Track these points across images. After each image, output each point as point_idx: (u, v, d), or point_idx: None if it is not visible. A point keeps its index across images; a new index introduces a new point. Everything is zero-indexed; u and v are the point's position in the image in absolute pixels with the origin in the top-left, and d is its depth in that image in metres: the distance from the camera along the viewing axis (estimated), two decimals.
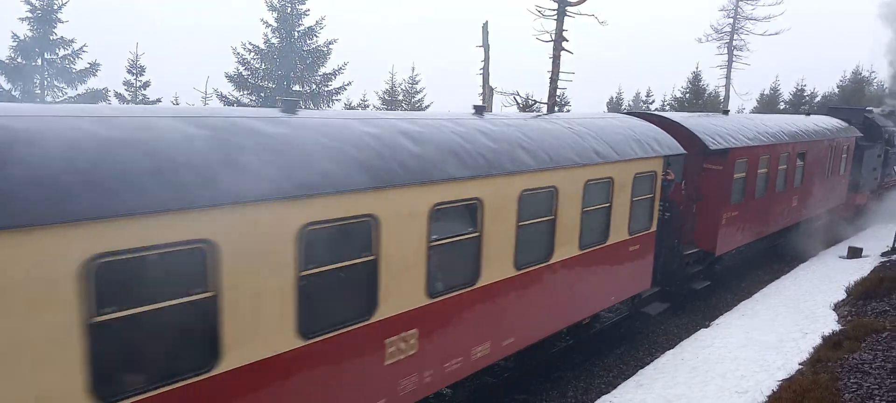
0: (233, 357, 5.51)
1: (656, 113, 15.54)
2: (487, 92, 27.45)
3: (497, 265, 8.37)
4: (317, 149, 6.29)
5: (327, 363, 6.37)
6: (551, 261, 9.40)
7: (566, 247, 9.62)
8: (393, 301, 6.94)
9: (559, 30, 26.27)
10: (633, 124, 12.02)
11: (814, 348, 10.77)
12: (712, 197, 14.59)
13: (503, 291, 8.59)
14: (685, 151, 12.72)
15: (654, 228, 11.98)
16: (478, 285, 8.15)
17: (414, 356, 7.38)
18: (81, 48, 21.73)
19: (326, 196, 6.01)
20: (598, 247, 10.41)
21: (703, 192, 14.61)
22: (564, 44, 26.48)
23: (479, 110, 9.75)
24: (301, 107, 7.54)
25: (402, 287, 7.04)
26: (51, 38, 21.08)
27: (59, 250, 4.38)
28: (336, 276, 6.40)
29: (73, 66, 21.73)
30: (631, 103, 55.95)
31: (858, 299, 13.33)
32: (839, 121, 23.14)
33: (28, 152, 4.48)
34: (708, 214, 14.67)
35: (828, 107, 29.60)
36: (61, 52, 21.41)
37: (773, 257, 19.34)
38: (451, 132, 8.06)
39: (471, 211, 7.87)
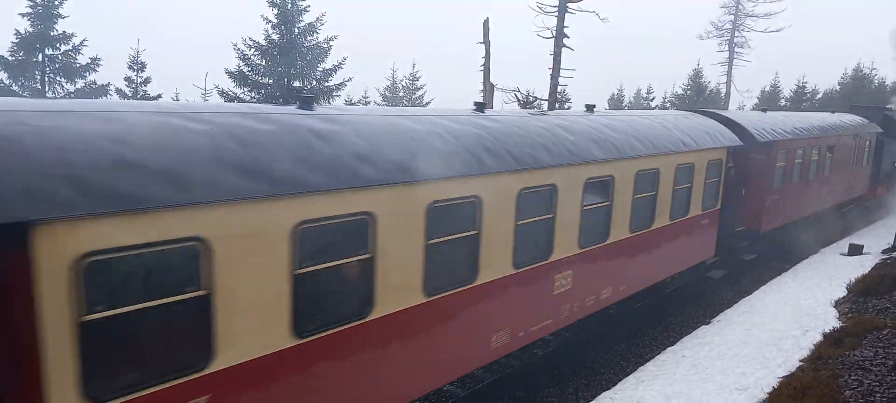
0: (485, 274, 8.29)
1: (714, 111, 17.76)
2: (488, 88, 27.42)
3: (621, 227, 11.14)
4: (529, 139, 9.19)
5: (525, 285, 9.10)
6: (654, 227, 12.16)
7: (662, 218, 12.41)
8: (559, 248, 9.65)
9: (560, 26, 26.26)
10: (703, 120, 14.82)
11: (814, 345, 10.76)
12: (757, 183, 16.93)
13: (622, 248, 11.31)
14: (742, 143, 15.16)
15: (718, 206, 14.71)
16: (608, 242, 10.89)
17: (569, 290, 10.13)
18: (82, 43, 21.71)
19: (533, 170, 8.76)
20: (681, 220, 13.15)
21: (749, 179, 16.94)
22: (565, 40, 26.46)
23: (590, 108, 12.54)
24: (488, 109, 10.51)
25: (566, 239, 9.77)
26: (52, 33, 21.07)
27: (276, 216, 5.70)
28: (537, 230, 9.22)
29: (74, 61, 21.72)
30: (631, 100, 55.89)
31: (859, 296, 13.33)
32: (861, 118, 25.22)
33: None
34: (753, 198, 17.02)
35: (851, 104, 31.79)
36: (62, 48, 21.41)
37: (774, 255, 19.34)
38: (588, 126, 10.71)
39: (605, 185, 10.57)
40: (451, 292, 7.82)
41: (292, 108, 7.15)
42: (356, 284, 6.65)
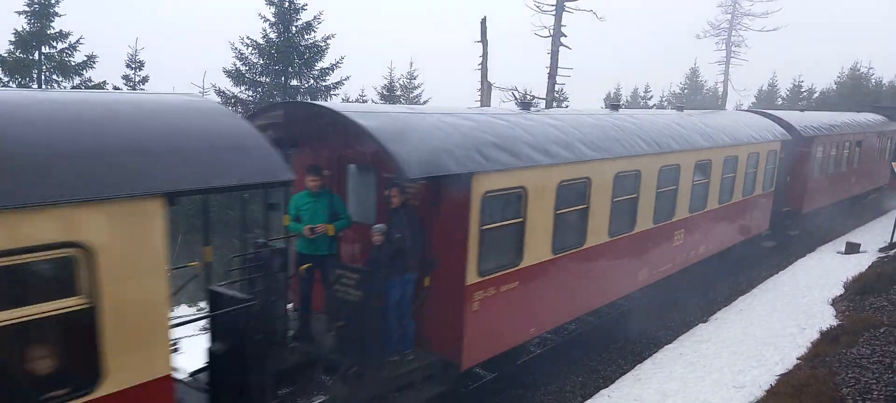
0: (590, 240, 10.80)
1: (762, 111, 21.59)
2: (486, 87, 27.41)
3: (712, 199, 14.61)
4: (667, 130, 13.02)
5: (660, 238, 12.86)
6: (732, 201, 15.66)
7: (738, 193, 15.97)
8: (678, 211, 13.21)
9: (557, 25, 26.26)
10: (757, 118, 18.43)
11: (812, 343, 10.79)
12: (799, 171, 20.05)
13: (712, 215, 14.83)
14: (791, 137, 18.59)
15: (773, 189, 18.16)
16: (707, 209, 14.49)
17: (680, 244, 13.69)
18: (78, 41, 21.64)
19: (666, 153, 12.35)
20: (750, 197, 16.80)
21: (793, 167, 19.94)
22: (563, 39, 26.46)
23: (679, 109, 16.84)
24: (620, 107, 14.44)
25: (680, 205, 13.26)
26: (48, 31, 20.99)
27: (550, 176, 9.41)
28: (662, 198, 12.51)
29: (71, 58, 21.64)
30: (629, 99, 55.91)
31: (856, 294, 13.36)
32: (883, 116, 28.90)
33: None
34: (796, 183, 20.21)
35: (872, 105, 35.16)
36: (59, 46, 21.33)
37: (772, 252, 19.37)
38: (660, 122, 13.17)
39: (705, 166, 14.00)
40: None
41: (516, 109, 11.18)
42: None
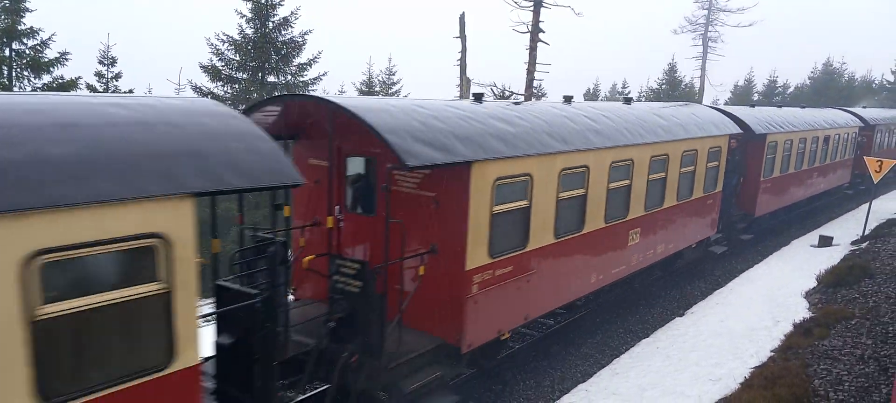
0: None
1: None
2: (464, 83, 27.41)
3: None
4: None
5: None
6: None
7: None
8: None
9: (535, 21, 26.30)
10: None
11: (785, 335, 10.94)
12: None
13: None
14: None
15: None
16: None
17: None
18: (50, 37, 21.26)
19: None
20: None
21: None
22: (541, 35, 26.52)
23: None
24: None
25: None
26: (19, 27, 20.60)
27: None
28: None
29: (42, 55, 21.25)
30: (607, 95, 56.23)
31: (828, 287, 13.58)
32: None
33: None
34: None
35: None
36: (30, 42, 20.94)
37: (748, 245, 19.61)
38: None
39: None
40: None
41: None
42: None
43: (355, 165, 9.65)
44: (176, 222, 4.90)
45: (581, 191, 10.63)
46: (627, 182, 11.95)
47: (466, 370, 10.03)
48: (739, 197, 18.85)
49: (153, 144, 5.01)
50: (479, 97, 10.74)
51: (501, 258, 9.06)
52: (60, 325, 4.38)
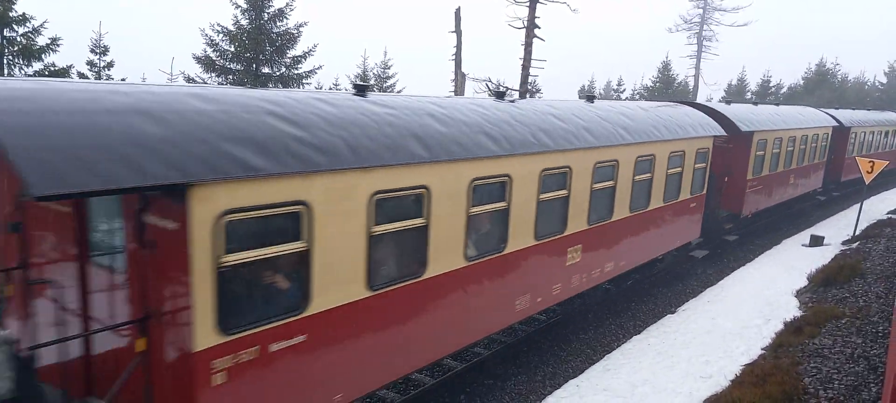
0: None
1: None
2: (460, 77, 27.37)
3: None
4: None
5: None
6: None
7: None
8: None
9: (531, 17, 26.28)
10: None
11: (776, 334, 10.99)
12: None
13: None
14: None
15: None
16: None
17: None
18: (42, 24, 21.11)
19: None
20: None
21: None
22: (536, 31, 26.50)
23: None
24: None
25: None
26: (11, 14, 20.43)
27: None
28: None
29: (34, 43, 21.10)
30: (602, 92, 56.32)
31: (819, 286, 13.64)
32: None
33: None
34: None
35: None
36: (21, 30, 20.78)
37: (739, 244, 19.69)
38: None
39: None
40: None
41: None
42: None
43: None
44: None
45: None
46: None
47: (450, 368, 10.04)
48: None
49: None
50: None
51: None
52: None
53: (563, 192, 10.14)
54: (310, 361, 6.45)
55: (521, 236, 9.33)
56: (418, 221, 7.51)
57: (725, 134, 16.17)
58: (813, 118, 24.32)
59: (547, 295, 10.45)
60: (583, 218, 10.80)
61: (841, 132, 27.06)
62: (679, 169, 14.03)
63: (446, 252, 8.01)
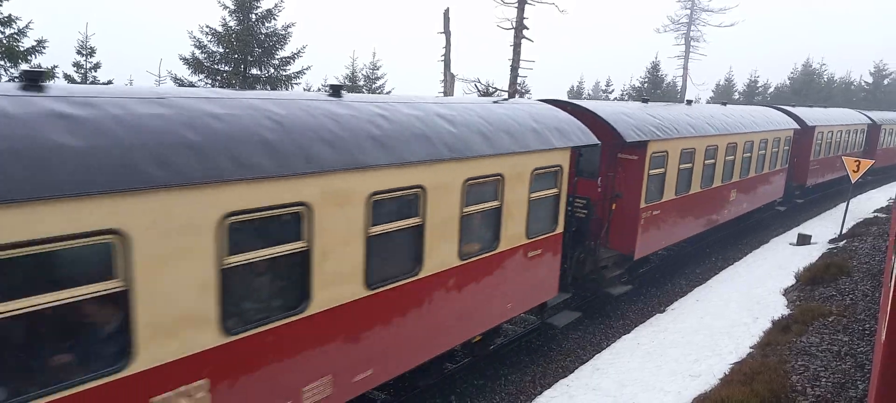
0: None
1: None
2: (449, 78, 27.37)
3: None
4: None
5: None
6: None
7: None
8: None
9: (520, 18, 26.33)
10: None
11: (764, 332, 11.05)
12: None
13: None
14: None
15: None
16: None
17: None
18: (27, 25, 20.91)
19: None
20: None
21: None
22: (525, 32, 26.55)
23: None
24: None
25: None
26: None
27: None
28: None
29: (19, 44, 20.89)
30: (590, 92, 56.51)
31: (806, 284, 13.73)
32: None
33: None
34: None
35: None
36: (7, 31, 20.57)
37: (727, 244, 19.79)
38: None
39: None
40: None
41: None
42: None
43: None
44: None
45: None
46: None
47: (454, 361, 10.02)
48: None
49: None
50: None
51: None
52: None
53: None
54: None
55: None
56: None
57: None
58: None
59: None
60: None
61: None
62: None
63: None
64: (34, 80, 5.27)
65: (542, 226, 10.30)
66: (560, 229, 10.80)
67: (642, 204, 13.73)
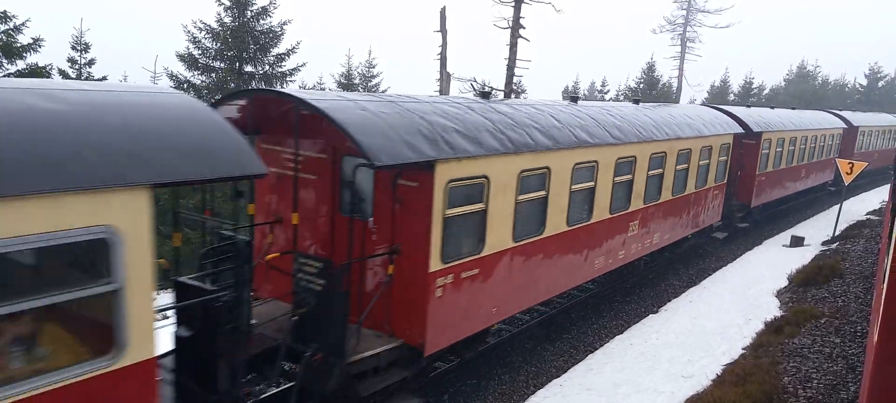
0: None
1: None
2: (445, 77, 27.36)
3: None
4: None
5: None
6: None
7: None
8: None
9: (516, 17, 26.33)
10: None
11: (756, 333, 11.10)
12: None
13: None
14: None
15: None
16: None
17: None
18: (24, 23, 20.82)
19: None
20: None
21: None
22: (521, 31, 26.55)
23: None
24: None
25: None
26: None
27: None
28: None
29: (14, 41, 20.79)
30: (586, 93, 56.55)
31: (799, 286, 13.79)
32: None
33: None
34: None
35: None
36: (2, 27, 20.47)
37: (722, 245, 19.85)
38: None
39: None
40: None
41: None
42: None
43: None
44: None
45: None
46: None
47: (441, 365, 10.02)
48: None
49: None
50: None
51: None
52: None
53: None
54: None
55: None
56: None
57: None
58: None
59: None
60: None
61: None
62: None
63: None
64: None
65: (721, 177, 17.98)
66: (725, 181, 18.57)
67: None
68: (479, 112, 9.61)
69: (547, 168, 10.15)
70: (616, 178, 12.33)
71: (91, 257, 4.52)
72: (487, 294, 9.43)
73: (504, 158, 9.15)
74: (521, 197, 9.66)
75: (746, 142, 20.16)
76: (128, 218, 4.60)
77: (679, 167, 15.26)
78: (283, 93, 8.57)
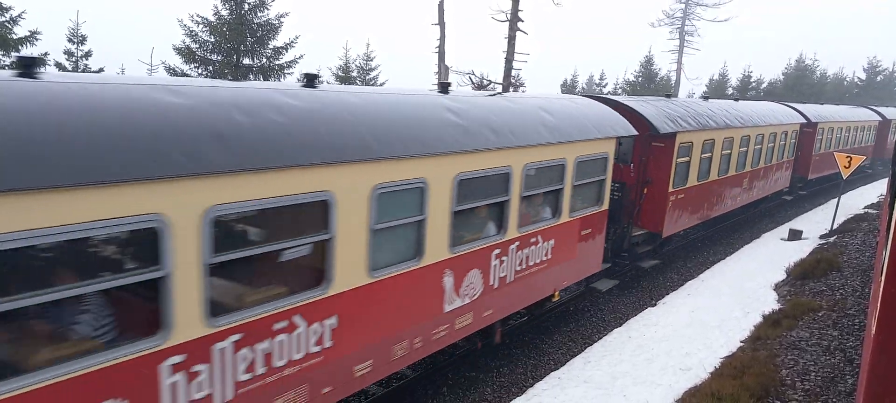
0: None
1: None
2: (443, 70, 27.32)
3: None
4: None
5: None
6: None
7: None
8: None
9: (515, 10, 26.27)
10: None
11: (754, 326, 11.11)
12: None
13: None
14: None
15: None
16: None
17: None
18: (20, 15, 20.75)
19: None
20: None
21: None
22: (520, 24, 26.50)
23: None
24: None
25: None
26: None
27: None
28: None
29: (11, 33, 20.73)
30: (584, 86, 56.51)
31: (797, 279, 13.81)
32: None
33: None
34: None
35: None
36: None
37: (718, 238, 19.87)
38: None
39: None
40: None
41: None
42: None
43: None
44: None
45: None
46: None
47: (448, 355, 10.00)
48: None
49: None
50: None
51: None
52: None
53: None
54: None
55: None
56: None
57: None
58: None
59: None
60: None
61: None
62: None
63: None
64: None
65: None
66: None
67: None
68: (688, 107, 16.48)
69: (731, 138, 17.99)
70: (741, 149, 18.90)
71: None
72: (694, 206, 16.73)
73: (700, 132, 16.04)
74: (724, 151, 17.70)
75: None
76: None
77: (769, 145, 21.57)
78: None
